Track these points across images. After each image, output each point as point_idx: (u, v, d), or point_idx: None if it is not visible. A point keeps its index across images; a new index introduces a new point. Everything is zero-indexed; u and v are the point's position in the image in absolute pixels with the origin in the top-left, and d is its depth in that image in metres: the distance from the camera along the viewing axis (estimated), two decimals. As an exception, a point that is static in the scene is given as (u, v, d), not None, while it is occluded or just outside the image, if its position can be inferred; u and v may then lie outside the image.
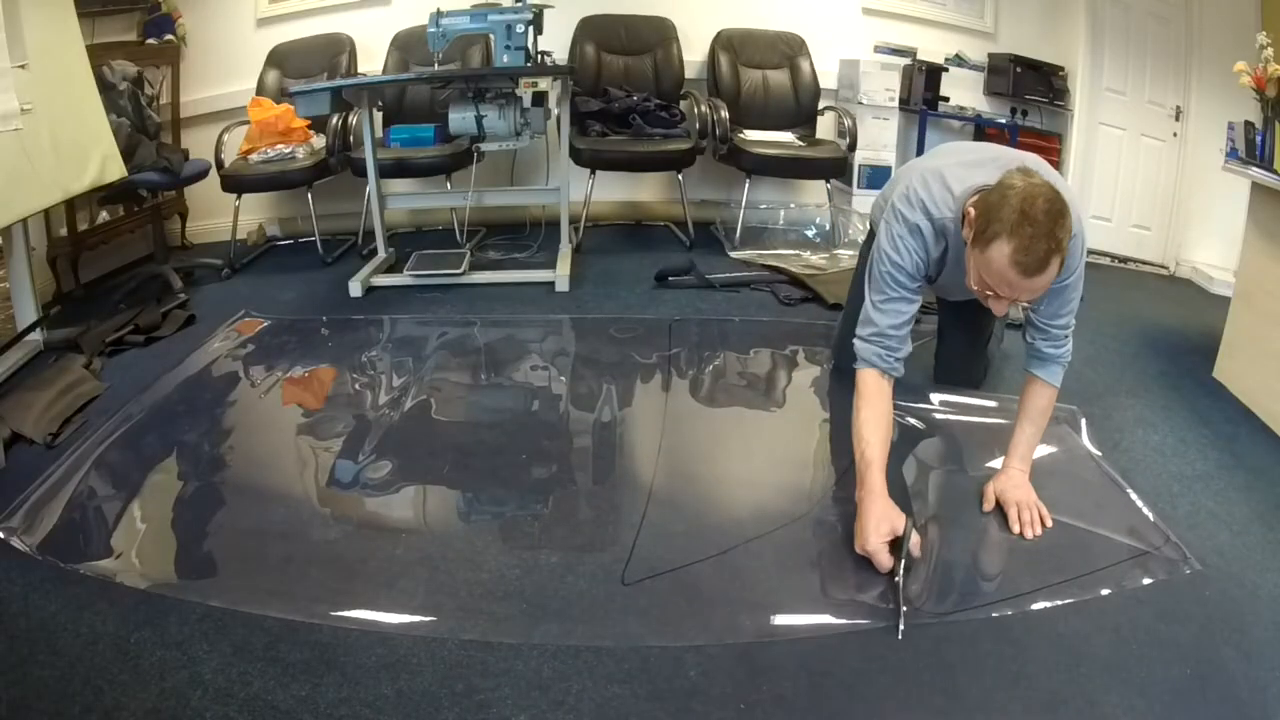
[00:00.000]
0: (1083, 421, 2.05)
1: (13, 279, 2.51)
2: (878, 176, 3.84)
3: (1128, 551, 1.57)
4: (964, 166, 1.63)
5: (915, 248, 1.62)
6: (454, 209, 3.68)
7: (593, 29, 3.79)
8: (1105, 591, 1.46)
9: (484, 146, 3.05)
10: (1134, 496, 1.75)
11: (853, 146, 3.73)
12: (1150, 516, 1.68)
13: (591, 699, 1.21)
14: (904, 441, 1.91)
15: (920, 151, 3.92)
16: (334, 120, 3.39)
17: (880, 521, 1.46)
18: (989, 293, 1.46)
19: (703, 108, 3.67)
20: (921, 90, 3.82)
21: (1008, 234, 1.35)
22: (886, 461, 1.55)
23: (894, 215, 1.65)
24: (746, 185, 3.58)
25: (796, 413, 2.25)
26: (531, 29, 2.94)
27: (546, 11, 3.03)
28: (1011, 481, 1.68)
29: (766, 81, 3.84)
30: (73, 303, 2.98)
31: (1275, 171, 2.24)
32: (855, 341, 1.67)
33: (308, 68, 3.65)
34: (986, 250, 1.39)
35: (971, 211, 1.48)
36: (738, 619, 1.39)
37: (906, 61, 3.91)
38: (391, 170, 3.33)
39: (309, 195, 3.44)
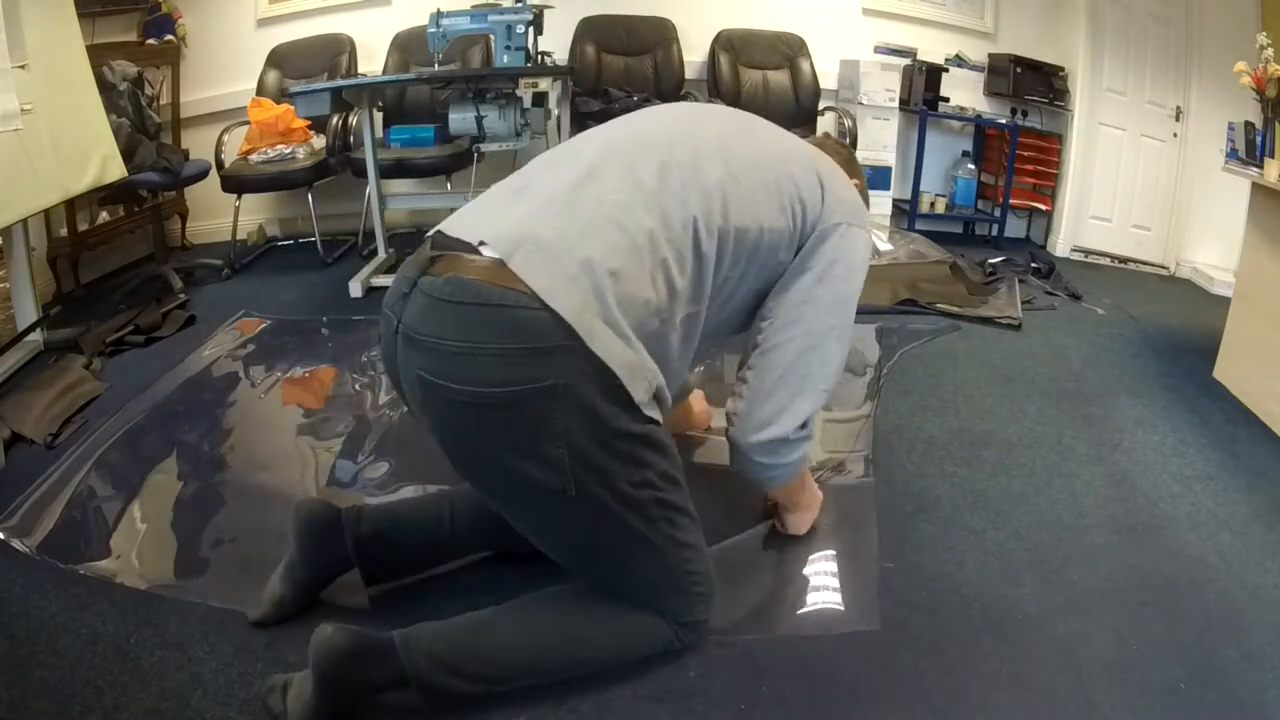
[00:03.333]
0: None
1: (13, 279, 2.51)
2: (878, 177, 3.85)
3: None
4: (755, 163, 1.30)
5: None
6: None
7: (593, 29, 3.80)
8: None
9: (484, 147, 3.05)
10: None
11: (853, 147, 3.73)
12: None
13: (591, 699, 1.21)
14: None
15: (920, 151, 3.93)
16: (334, 121, 3.39)
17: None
18: None
19: (703, 108, 3.67)
20: (921, 91, 3.82)
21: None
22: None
23: (845, 244, 1.33)
24: (747, 186, 3.57)
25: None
26: (531, 29, 2.94)
27: (546, 12, 3.04)
28: None
29: (767, 82, 3.84)
30: (73, 303, 2.98)
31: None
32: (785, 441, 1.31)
33: (308, 68, 3.65)
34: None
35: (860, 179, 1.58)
36: (737, 617, 1.39)
37: (906, 62, 3.91)
38: (392, 171, 3.33)
39: (309, 195, 3.44)
